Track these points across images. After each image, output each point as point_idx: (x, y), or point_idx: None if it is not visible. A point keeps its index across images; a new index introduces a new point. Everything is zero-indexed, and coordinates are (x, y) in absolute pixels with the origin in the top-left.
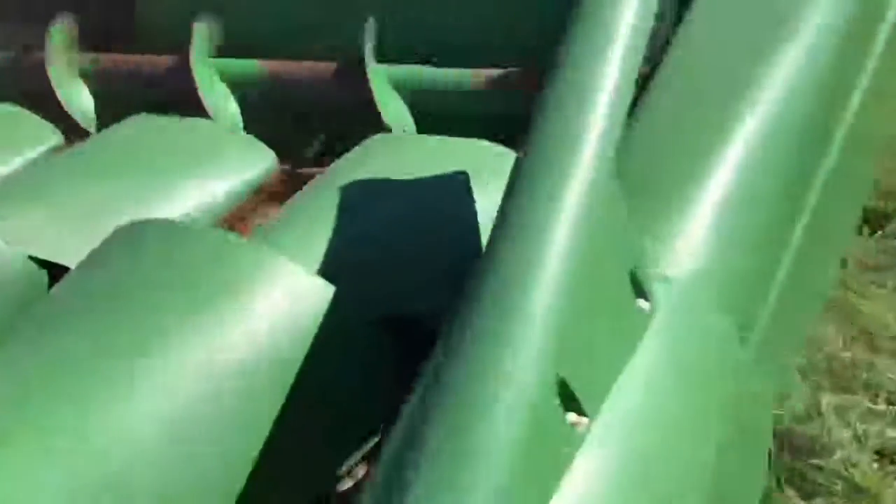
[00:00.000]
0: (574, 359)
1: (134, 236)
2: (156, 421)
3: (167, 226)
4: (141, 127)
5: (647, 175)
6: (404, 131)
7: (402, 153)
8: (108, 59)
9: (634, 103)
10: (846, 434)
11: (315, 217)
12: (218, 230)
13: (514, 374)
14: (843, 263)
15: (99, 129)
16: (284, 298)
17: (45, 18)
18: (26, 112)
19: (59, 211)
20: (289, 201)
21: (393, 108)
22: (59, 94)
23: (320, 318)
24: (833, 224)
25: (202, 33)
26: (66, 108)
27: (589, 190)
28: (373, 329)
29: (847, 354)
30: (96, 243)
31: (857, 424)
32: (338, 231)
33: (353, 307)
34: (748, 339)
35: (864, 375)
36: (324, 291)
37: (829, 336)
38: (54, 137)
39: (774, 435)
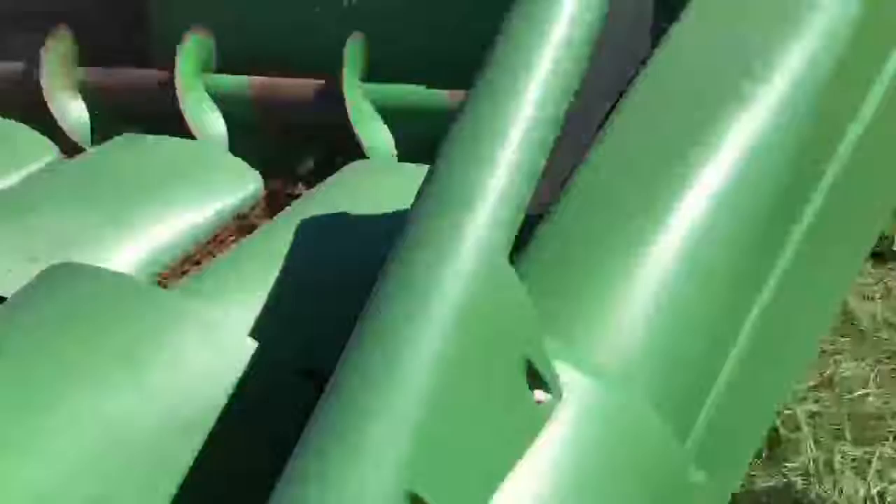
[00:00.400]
0: (435, 467)
1: (59, 279)
2: (64, 463)
3: (91, 271)
4: (126, 147)
5: (579, 244)
6: None
7: (379, 182)
8: (101, 73)
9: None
10: (861, 491)
11: (263, 259)
12: (139, 281)
13: (359, 493)
14: (887, 293)
15: (93, 144)
16: (202, 353)
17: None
18: (23, 126)
19: (32, 239)
20: (246, 237)
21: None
22: (52, 108)
23: (239, 374)
24: (808, 298)
25: (191, 48)
26: (59, 122)
27: (474, 266)
28: (298, 384)
29: (875, 399)
30: None
31: (874, 481)
32: (282, 277)
33: (280, 361)
34: (688, 433)
35: (893, 424)
36: (244, 347)
37: (858, 377)
38: (50, 153)
39: (779, 493)
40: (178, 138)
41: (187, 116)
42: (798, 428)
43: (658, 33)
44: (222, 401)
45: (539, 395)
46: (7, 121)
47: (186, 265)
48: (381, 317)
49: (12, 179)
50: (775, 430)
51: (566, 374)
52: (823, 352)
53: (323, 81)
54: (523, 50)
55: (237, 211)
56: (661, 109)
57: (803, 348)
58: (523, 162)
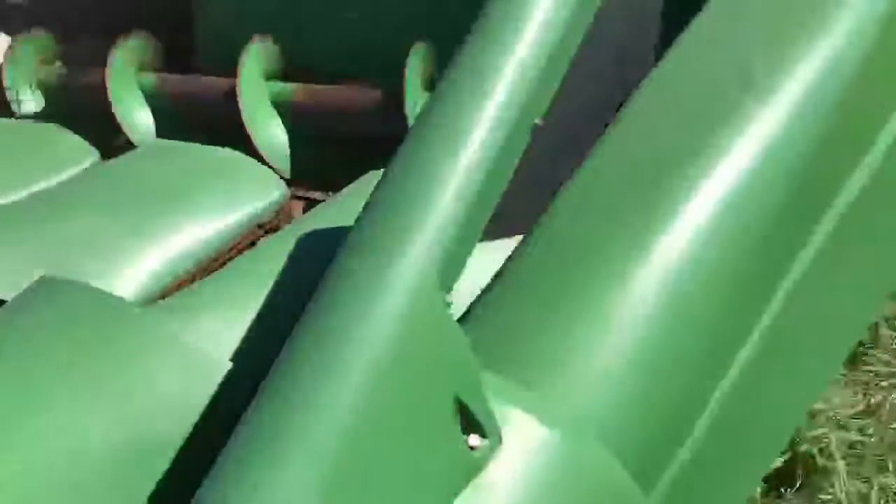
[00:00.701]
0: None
1: (45, 293)
2: (29, 478)
3: (75, 287)
4: (153, 154)
5: (564, 254)
6: None
7: None
8: (170, 79)
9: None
10: None
11: (260, 272)
12: (122, 299)
13: (286, 498)
14: None
15: None
16: (175, 373)
17: (114, 33)
18: (65, 130)
19: (49, 244)
20: (249, 250)
21: None
22: (117, 112)
23: (208, 397)
24: (827, 314)
25: (255, 55)
26: (122, 126)
27: (403, 299)
28: None
29: None
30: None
31: None
32: (274, 292)
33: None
34: (658, 479)
35: None
36: (222, 367)
37: None
38: (90, 156)
39: None
40: (204, 145)
41: (117, 114)
42: (834, 457)
43: (665, 37)
44: (194, 420)
45: (473, 439)
46: (49, 125)
47: (202, 274)
48: (313, 328)
49: (50, 182)
50: (812, 457)
51: (510, 414)
52: (875, 375)
53: (231, 80)
54: (491, 51)
55: (259, 219)
56: (668, 113)
57: (816, 376)
58: (484, 160)
